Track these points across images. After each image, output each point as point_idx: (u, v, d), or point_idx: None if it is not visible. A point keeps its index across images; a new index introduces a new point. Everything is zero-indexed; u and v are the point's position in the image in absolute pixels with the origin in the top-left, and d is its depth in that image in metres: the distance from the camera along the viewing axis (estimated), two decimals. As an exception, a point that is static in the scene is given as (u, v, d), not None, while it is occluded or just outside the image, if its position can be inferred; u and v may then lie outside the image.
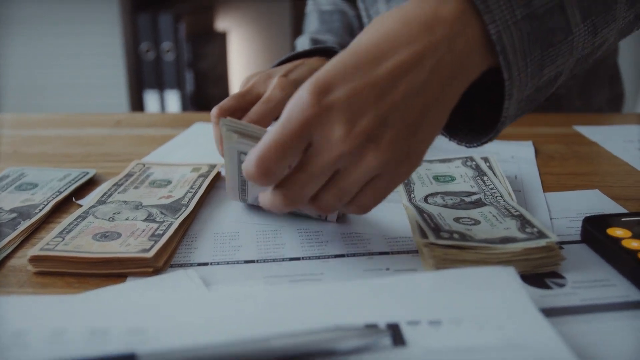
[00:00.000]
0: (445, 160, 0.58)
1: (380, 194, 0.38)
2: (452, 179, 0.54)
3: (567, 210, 0.51)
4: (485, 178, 0.53)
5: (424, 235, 0.42)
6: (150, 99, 1.83)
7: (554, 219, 0.49)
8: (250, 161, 0.35)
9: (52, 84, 1.99)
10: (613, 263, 0.42)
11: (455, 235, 0.42)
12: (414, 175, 0.55)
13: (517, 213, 0.46)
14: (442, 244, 0.41)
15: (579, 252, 0.44)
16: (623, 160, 0.64)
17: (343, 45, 0.90)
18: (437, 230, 0.43)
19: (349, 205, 0.38)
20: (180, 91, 1.82)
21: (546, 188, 0.56)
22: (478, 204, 0.49)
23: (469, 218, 0.46)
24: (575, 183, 0.57)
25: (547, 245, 0.41)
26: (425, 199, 0.50)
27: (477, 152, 0.64)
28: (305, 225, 0.49)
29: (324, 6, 0.94)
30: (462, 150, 0.64)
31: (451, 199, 0.50)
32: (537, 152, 0.66)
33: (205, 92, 1.81)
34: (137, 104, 1.83)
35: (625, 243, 0.43)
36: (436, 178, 0.54)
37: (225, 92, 1.71)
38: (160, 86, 1.81)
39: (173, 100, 1.82)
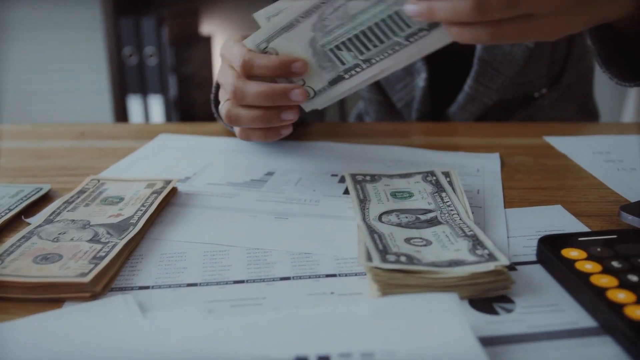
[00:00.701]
0: (406, 175, 0.57)
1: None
2: (410, 195, 0.53)
3: (526, 227, 0.50)
4: (444, 194, 0.52)
5: (369, 258, 0.40)
6: (134, 104, 1.82)
7: (511, 237, 0.48)
8: None
9: (34, 90, 1.97)
10: (565, 286, 0.41)
11: (402, 258, 0.40)
12: (371, 192, 0.53)
13: (471, 233, 0.45)
14: (387, 267, 0.39)
15: (533, 273, 0.43)
16: (590, 173, 0.62)
17: None
18: (384, 252, 0.41)
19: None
20: (164, 96, 1.80)
21: (508, 204, 0.55)
22: (433, 222, 0.48)
23: (420, 238, 0.45)
24: (538, 198, 0.56)
25: (495, 269, 0.39)
26: (380, 218, 0.48)
27: (440, 166, 0.63)
28: (256, 243, 0.47)
29: None
30: (424, 164, 0.63)
31: (406, 217, 0.49)
32: (504, 165, 0.64)
33: (189, 96, 1.80)
34: (121, 109, 1.82)
35: (578, 265, 0.41)
36: (394, 195, 0.53)
37: (209, 97, 1.70)
38: (144, 91, 1.80)
39: (157, 105, 1.81)
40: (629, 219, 0.49)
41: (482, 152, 0.68)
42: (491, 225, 0.50)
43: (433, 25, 0.48)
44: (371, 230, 0.45)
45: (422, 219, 0.48)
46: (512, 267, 0.44)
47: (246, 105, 0.54)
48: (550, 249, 0.43)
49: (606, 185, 0.59)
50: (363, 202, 0.51)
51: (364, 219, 0.48)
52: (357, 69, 0.53)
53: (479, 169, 0.63)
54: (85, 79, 1.98)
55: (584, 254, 0.43)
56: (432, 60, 0.83)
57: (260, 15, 0.53)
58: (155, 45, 1.76)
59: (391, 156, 0.67)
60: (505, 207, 0.54)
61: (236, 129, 0.57)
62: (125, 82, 1.80)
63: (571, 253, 0.43)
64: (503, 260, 0.40)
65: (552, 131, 0.76)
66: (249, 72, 0.52)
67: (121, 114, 1.83)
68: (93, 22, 1.90)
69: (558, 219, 0.51)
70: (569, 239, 0.45)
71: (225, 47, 0.57)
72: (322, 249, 0.46)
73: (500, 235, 0.48)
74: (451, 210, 0.49)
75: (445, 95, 0.87)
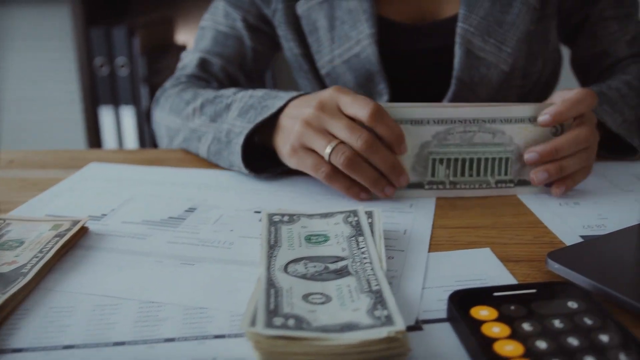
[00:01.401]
0: (326, 215, 0.53)
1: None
2: (326, 239, 0.49)
3: (446, 276, 0.46)
4: (361, 239, 0.49)
5: (253, 322, 0.37)
6: (106, 116, 1.79)
7: (427, 288, 0.45)
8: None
9: (3, 100, 1.94)
10: (469, 352, 0.38)
11: (290, 322, 0.37)
12: (285, 235, 0.50)
13: (377, 287, 0.41)
14: (269, 334, 0.36)
15: (441, 334, 0.40)
16: (529, 209, 0.59)
17: (229, 74, 0.87)
18: (273, 313, 0.38)
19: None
20: (136, 107, 1.77)
21: (434, 246, 0.51)
22: (342, 273, 0.44)
23: (321, 294, 0.41)
24: (468, 239, 0.53)
25: (388, 336, 0.36)
26: (286, 267, 0.45)
27: (367, 204, 0.60)
28: (151, 295, 0.44)
29: (221, 26, 0.88)
30: (348, 204, 0.60)
31: (314, 267, 0.45)
32: (438, 200, 0.61)
33: (162, 107, 1.76)
34: (92, 121, 1.78)
35: (485, 328, 0.38)
36: (308, 239, 0.50)
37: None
38: (116, 102, 1.76)
39: (128, 117, 1.77)
40: (555, 268, 0.46)
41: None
42: (408, 274, 0.46)
43: (521, 183, 0.62)
44: (270, 285, 0.42)
45: (331, 269, 0.45)
46: (417, 326, 0.40)
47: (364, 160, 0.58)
48: (460, 306, 0.40)
49: (543, 224, 0.55)
50: (273, 247, 0.48)
51: (268, 268, 0.45)
52: (439, 187, 0.61)
53: (412, 204, 0.59)
54: (55, 90, 1.95)
55: (494, 314, 0.39)
56: (409, 78, 0.82)
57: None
58: (127, 55, 1.72)
59: (324, 190, 0.64)
60: (429, 251, 0.50)
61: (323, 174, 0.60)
62: (97, 93, 1.77)
63: (481, 312, 0.40)
64: (399, 325, 0.36)
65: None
66: (376, 121, 0.56)
67: (93, 126, 1.79)
68: (63, 32, 1.86)
69: (483, 266, 0.48)
70: (482, 295, 0.41)
71: (340, 90, 0.59)
72: (220, 303, 0.43)
73: (414, 287, 0.45)
74: (364, 257, 0.46)
75: None
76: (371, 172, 0.58)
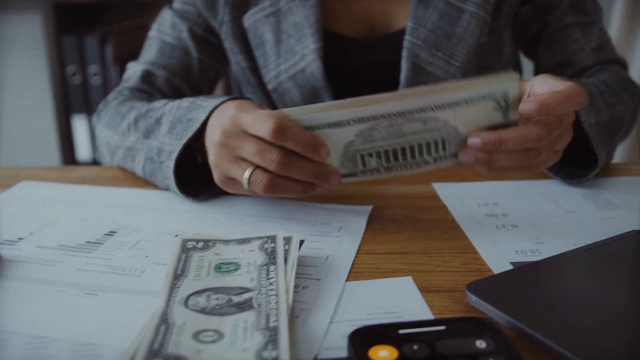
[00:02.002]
0: (243, 241, 0.51)
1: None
2: (236, 268, 0.47)
3: (359, 308, 0.44)
4: (272, 268, 0.46)
5: (129, 365, 0.35)
6: (78, 124, 1.76)
7: (335, 322, 0.42)
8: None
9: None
10: (362, 397, 0.35)
11: (170, 365, 0.35)
12: (194, 263, 0.48)
13: (274, 324, 0.39)
14: (142, 380, 0.33)
15: (337, 376, 0.37)
16: (464, 232, 0.57)
17: (174, 86, 0.84)
18: (155, 353, 0.35)
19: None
20: (108, 116, 1.74)
21: (354, 274, 0.49)
22: (243, 306, 0.42)
23: (213, 332, 0.39)
24: (391, 267, 0.50)
25: (269, 381, 0.33)
26: (187, 300, 0.43)
27: (301, 223, 0.57)
28: (42, 329, 0.41)
29: (167, 37, 0.85)
30: (282, 221, 0.58)
31: (217, 299, 0.43)
32: (371, 221, 0.59)
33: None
34: (65, 130, 1.76)
35: (381, 370, 0.35)
36: (218, 268, 0.47)
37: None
38: (88, 111, 1.74)
39: (101, 126, 1.75)
40: (473, 301, 0.44)
41: (358, 203, 0.63)
42: (319, 306, 0.44)
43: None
44: (162, 320, 0.40)
45: (234, 301, 0.43)
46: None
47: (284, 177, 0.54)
48: (359, 346, 0.38)
49: (475, 249, 0.53)
50: (178, 277, 0.46)
51: (167, 301, 0.42)
52: (374, 172, 0.56)
53: (342, 227, 0.57)
54: (27, 99, 1.93)
55: (394, 354, 0.37)
56: (357, 93, 0.77)
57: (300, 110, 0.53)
58: (99, 63, 1.70)
59: (252, 210, 0.61)
60: (348, 280, 0.48)
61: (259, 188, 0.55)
62: (69, 102, 1.74)
63: (380, 353, 0.37)
64: (283, 370, 0.34)
65: (448, 175, 0.71)
66: (279, 138, 0.51)
67: (65, 135, 1.77)
68: (35, 40, 1.84)
69: (401, 297, 0.46)
70: (386, 333, 0.39)
71: (241, 108, 0.55)
72: (113, 339, 0.40)
73: (321, 321, 0.42)
74: (271, 289, 0.44)
75: None
76: (295, 185, 0.55)
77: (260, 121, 0.52)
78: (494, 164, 0.53)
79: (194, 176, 0.65)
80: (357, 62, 0.82)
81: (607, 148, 0.67)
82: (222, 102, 0.60)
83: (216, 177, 0.58)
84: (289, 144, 0.52)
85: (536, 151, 0.53)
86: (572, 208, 0.62)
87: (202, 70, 0.86)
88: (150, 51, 0.86)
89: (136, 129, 0.69)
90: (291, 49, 0.79)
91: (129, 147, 0.70)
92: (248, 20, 0.81)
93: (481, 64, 0.81)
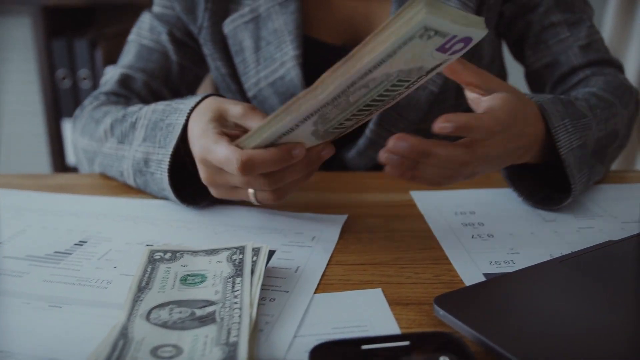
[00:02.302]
0: (212, 252, 0.50)
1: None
2: (202, 280, 0.46)
3: (325, 322, 0.43)
4: (238, 280, 0.46)
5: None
6: (68, 128, 1.75)
7: (299, 336, 0.42)
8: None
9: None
10: (318, 415, 0.34)
11: (122, 383, 0.34)
12: (160, 275, 0.47)
13: (234, 339, 0.38)
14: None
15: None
16: (438, 242, 0.56)
17: (152, 90, 0.82)
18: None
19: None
20: (98, 120, 1.74)
21: (323, 286, 0.48)
22: (206, 320, 0.41)
23: (172, 347, 0.38)
24: (362, 278, 0.50)
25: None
26: (149, 314, 0.42)
27: (275, 232, 0.57)
28: (3, 343, 0.41)
29: (146, 40, 0.84)
30: (255, 230, 0.57)
31: (180, 312, 0.42)
32: (346, 230, 0.58)
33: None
34: (55, 133, 1.75)
35: (338, 388, 0.35)
36: (184, 280, 0.46)
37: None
38: (78, 115, 1.73)
39: (91, 130, 1.74)
40: (441, 315, 0.43)
41: (333, 212, 0.62)
42: (285, 319, 0.43)
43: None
44: (122, 335, 0.39)
45: (197, 315, 0.42)
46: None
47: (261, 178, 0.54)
48: (319, 362, 0.37)
49: (448, 260, 0.52)
50: (142, 290, 0.45)
51: (129, 314, 0.42)
52: (358, 119, 0.52)
53: (315, 237, 0.56)
54: (17, 102, 1.92)
55: (355, 370, 0.36)
56: None
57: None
58: (89, 67, 1.70)
59: (226, 219, 0.61)
60: (317, 292, 0.47)
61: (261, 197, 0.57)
62: (59, 105, 1.74)
63: (340, 369, 0.36)
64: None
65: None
66: (250, 173, 0.51)
67: (55, 138, 1.76)
68: (25, 44, 1.83)
69: (368, 310, 0.45)
70: (348, 348, 0.38)
71: (205, 150, 0.54)
72: (72, 354, 0.40)
73: (286, 335, 0.42)
74: (235, 303, 0.43)
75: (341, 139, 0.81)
76: (299, 181, 0.55)
77: (226, 164, 0.52)
78: (414, 177, 0.52)
79: (188, 181, 0.63)
80: None
81: (593, 170, 0.64)
82: (197, 104, 0.60)
83: (214, 194, 0.58)
84: (261, 171, 0.52)
85: (453, 172, 0.52)
86: (550, 217, 0.61)
87: (181, 73, 0.85)
88: (128, 55, 0.84)
89: (112, 135, 0.68)
90: (270, 56, 0.78)
91: (107, 154, 0.69)
92: (228, 26, 0.80)
93: None
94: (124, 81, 0.81)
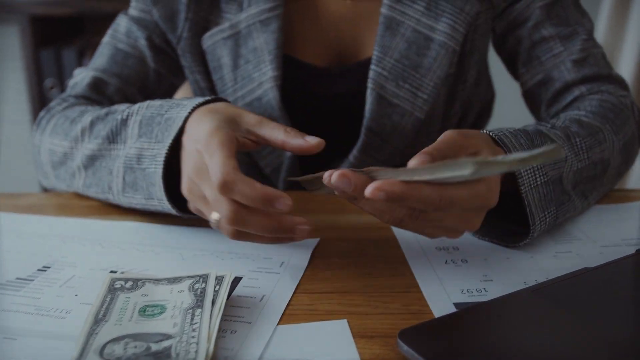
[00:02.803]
0: (174, 280, 0.49)
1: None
2: (162, 311, 0.45)
3: (286, 356, 0.42)
4: (198, 312, 0.44)
5: None
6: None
7: (256, 373, 0.40)
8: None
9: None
10: None
11: None
12: (119, 305, 0.45)
13: (187, 378, 0.37)
14: None
15: None
16: (410, 268, 0.55)
17: (127, 97, 0.79)
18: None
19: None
20: (86, 130, 1.73)
21: (288, 317, 0.47)
22: (161, 356, 0.40)
23: (120, 386, 0.37)
24: (328, 308, 0.48)
25: None
26: (102, 349, 0.41)
27: (243, 257, 0.55)
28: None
29: (121, 44, 0.80)
30: (229, 255, 0.56)
31: (135, 347, 0.41)
32: (316, 255, 0.57)
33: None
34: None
35: None
36: (143, 311, 0.45)
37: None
38: (66, 124, 1.72)
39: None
40: (405, 350, 0.42)
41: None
42: (244, 353, 0.42)
43: None
44: (70, 373, 0.37)
45: (152, 350, 0.41)
46: None
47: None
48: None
49: (419, 288, 0.51)
50: (98, 322, 0.43)
51: (82, 350, 0.40)
52: None
53: (284, 262, 0.55)
54: (5, 111, 1.91)
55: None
56: (317, 125, 0.74)
57: None
58: (78, 77, 1.68)
59: (194, 243, 0.59)
60: (280, 323, 0.46)
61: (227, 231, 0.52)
62: (47, 115, 1.73)
63: (294, 410, 0.35)
64: None
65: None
66: (225, 194, 0.47)
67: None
68: (12, 53, 1.82)
69: (331, 343, 0.44)
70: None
71: (205, 143, 0.50)
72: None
73: (242, 371, 0.40)
74: (193, 337, 0.41)
75: (324, 162, 0.79)
76: (260, 238, 0.51)
77: (212, 170, 0.48)
78: (383, 212, 0.48)
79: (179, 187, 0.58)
80: (320, 92, 0.79)
81: (564, 207, 0.59)
82: (206, 102, 0.57)
83: (184, 190, 0.55)
84: (237, 199, 0.48)
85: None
86: (535, 235, 0.60)
87: (158, 81, 0.82)
88: (101, 57, 0.80)
89: (95, 135, 0.64)
90: (249, 75, 0.76)
91: (90, 155, 0.64)
92: (206, 42, 0.78)
93: (449, 92, 0.78)
94: (96, 85, 0.78)
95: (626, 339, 0.43)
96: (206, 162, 0.50)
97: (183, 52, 0.80)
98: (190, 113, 0.56)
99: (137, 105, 0.62)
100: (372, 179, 0.46)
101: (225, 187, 0.47)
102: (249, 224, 0.49)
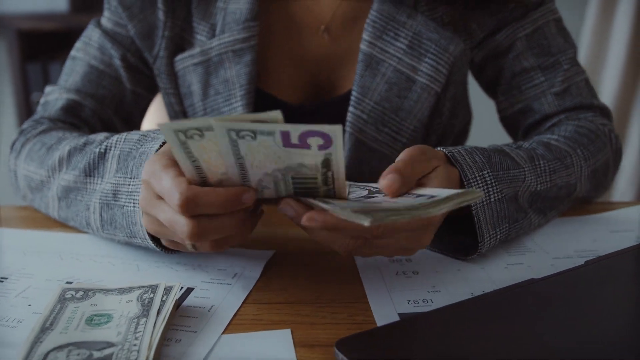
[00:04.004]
0: (125, 291, 0.50)
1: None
2: (108, 320, 0.46)
3: (225, 364, 0.43)
4: (143, 321, 0.45)
5: None
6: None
7: (196, 380, 0.41)
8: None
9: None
10: None
11: None
12: (66, 315, 0.46)
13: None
14: None
15: None
16: (360, 278, 0.56)
17: (102, 119, 0.76)
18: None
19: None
20: (72, 143, 1.74)
21: (234, 326, 0.48)
22: (102, 364, 0.41)
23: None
24: (274, 319, 0.49)
25: None
26: (47, 355, 0.42)
27: (197, 269, 0.56)
28: None
29: (95, 61, 0.77)
30: (165, 275, 0.56)
31: (77, 355, 0.42)
32: (269, 267, 0.58)
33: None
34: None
35: None
36: (90, 319, 0.46)
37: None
38: (53, 138, 1.74)
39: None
40: (340, 358, 0.43)
41: (261, 247, 0.62)
42: (184, 362, 0.43)
43: None
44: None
45: (94, 357, 0.42)
46: None
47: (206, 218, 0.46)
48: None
49: (366, 299, 0.52)
50: (44, 331, 0.45)
51: (25, 357, 0.41)
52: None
53: (237, 274, 0.56)
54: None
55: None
56: None
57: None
58: (64, 91, 1.70)
59: (151, 255, 0.60)
60: (225, 332, 0.47)
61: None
62: (33, 128, 1.74)
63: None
64: None
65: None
66: (192, 212, 0.45)
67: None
68: (0, 67, 1.85)
69: (273, 351, 0.45)
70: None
71: (150, 172, 0.48)
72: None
73: (181, 379, 0.41)
74: (134, 345, 0.43)
75: None
76: (220, 224, 0.47)
77: (167, 194, 0.46)
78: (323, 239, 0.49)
79: None
80: None
81: (519, 224, 0.60)
82: None
83: (145, 223, 0.52)
84: (205, 211, 0.46)
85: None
86: (484, 251, 0.61)
87: (135, 101, 0.79)
88: (73, 75, 0.77)
89: (72, 166, 0.62)
90: (218, 108, 0.74)
91: (65, 187, 0.62)
92: (178, 65, 0.76)
93: (426, 131, 0.77)
94: (72, 108, 0.74)
95: (566, 347, 0.44)
96: (156, 191, 0.48)
97: (159, 72, 0.77)
98: (161, 146, 0.54)
99: (115, 137, 0.60)
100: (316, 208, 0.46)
101: (189, 205, 0.45)
102: (212, 231, 0.47)
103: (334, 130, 0.41)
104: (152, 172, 0.48)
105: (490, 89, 0.82)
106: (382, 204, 0.46)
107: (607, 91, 1.97)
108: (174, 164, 0.48)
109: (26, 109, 1.72)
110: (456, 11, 0.72)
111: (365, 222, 0.39)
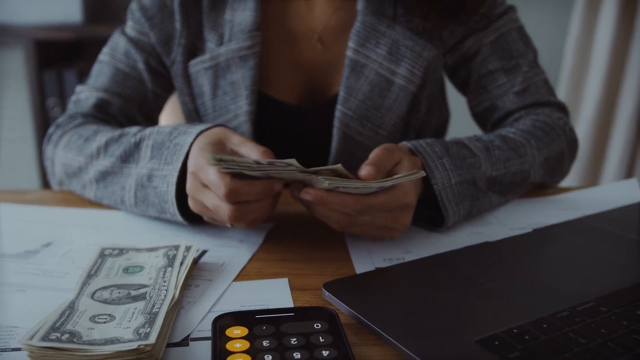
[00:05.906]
0: (152, 249, 0.61)
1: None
2: (140, 270, 0.57)
3: (237, 302, 0.54)
4: (169, 270, 0.57)
5: (32, 336, 0.45)
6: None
7: (213, 312, 0.53)
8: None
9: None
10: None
11: (64, 337, 0.45)
12: (107, 266, 0.58)
13: (156, 310, 0.49)
14: (39, 345, 0.43)
15: (200, 349, 0.47)
16: (346, 245, 0.67)
17: (127, 115, 0.87)
18: (54, 329, 0.46)
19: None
20: (85, 146, 1.85)
21: (241, 276, 0.59)
22: (138, 298, 0.52)
23: (108, 315, 0.49)
24: (274, 271, 0.60)
25: (138, 348, 0.43)
26: (94, 294, 0.53)
27: (194, 241, 0.67)
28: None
29: (121, 64, 0.87)
30: (183, 238, 0.67)
31: (119, 292, 0.53)
32: (270, 236, 0.69)
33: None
34: (44, 158, 1.87)
35: (229, 344, 0.45)
36: (126, 269, 0.57)
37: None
38: (66, 141, 1.85)
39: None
40: (326, 296, 0.54)
41: (262, 224, 0.73)
42: (203, 300, 0.54)
43: None
44: (69, 307, 0.50)
45: (132, 294, 0.53)
46: (184, 343, 0.48)
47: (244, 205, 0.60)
48: (219, 326, 0.48)
49: (350, 259, 0.63)
50: (91, 277, 0.56)
51: (78, 294, 0.53)
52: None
53: (242, 239, 0.67)
54: (10, 128, 2.04)
55: (245, 332, 0.47)
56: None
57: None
58: (77, 97, 1.82)
59: (172, 226, 0.71)
60: (235, 280, 0.58)
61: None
62: (48, 132, 1.86)
63: (234, 331, 0.47)
64: (150, 340, 0.44)
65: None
66: (235, 200, 0.58)
67: (44, 163, 1.87)
68: (17, 74, 1.96)
69: (273, 294, 0.56)
70: (244, 317, 0.49)
71: (198, 166, 0.61)
72: (31, 323, 0.50)
73: (202, 310, 0.53)
74: (163, 286, 0.54)
75: None
76: (257, 206, 0.61)
77: (215, 186, 0.58)
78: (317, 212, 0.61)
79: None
80: (290, 129, 0.87)
81: (480, 202, 0.71)
82: (208, 129, 0.66)
83: (191, 204, 0.64)
84: (244, 199, 0.58)
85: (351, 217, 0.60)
86: (450, 224, 0.72)
87: (155, 100, 0.90)
88: (102, 76, 0.87)
89: (109, 153, 0.73)
90: (225, 106, 0.85)
91: (103, 171, 0.73)
92: (192, 68, 0.86)
93: (404, 127, 0.88)
94: (101, 106, 0.85)
95: (510, 291, 0.55)
96: (203, 181, 0.60)
97: (175, 75, 0.88)
98: (194, 139, 0.66)
99: (148, 130, 0.72)
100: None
101: (232, 195, 0.57)
102: (249, 213, 0.60)
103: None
104: (199, 165, 0.61)
105: (462, 88, 0.94)
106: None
107: (591, 95, 2.08)
108: None
109: (41, 113, 1.83)
110: (430, 22, 0.84)
111: (325, 184, 0.53)
